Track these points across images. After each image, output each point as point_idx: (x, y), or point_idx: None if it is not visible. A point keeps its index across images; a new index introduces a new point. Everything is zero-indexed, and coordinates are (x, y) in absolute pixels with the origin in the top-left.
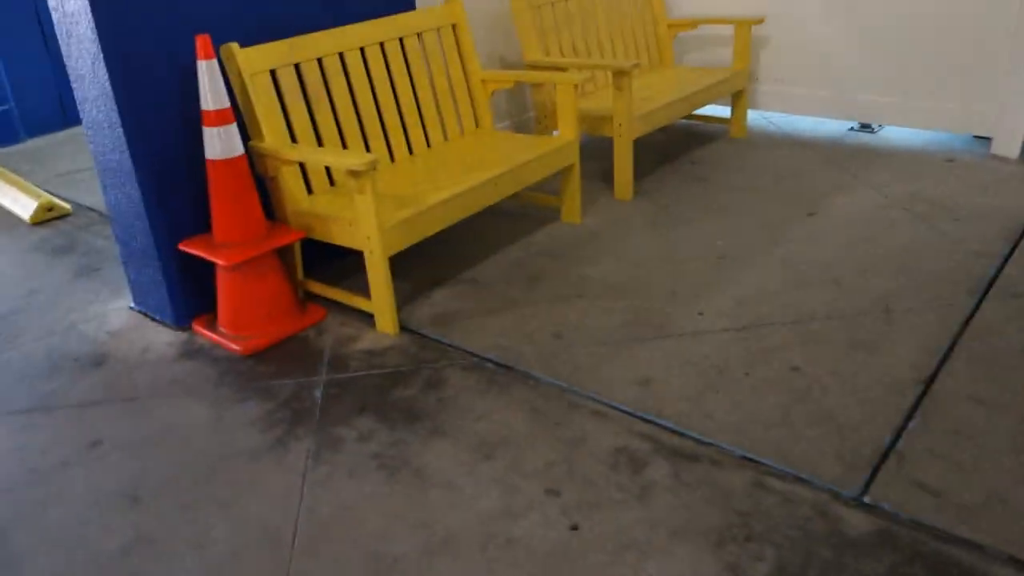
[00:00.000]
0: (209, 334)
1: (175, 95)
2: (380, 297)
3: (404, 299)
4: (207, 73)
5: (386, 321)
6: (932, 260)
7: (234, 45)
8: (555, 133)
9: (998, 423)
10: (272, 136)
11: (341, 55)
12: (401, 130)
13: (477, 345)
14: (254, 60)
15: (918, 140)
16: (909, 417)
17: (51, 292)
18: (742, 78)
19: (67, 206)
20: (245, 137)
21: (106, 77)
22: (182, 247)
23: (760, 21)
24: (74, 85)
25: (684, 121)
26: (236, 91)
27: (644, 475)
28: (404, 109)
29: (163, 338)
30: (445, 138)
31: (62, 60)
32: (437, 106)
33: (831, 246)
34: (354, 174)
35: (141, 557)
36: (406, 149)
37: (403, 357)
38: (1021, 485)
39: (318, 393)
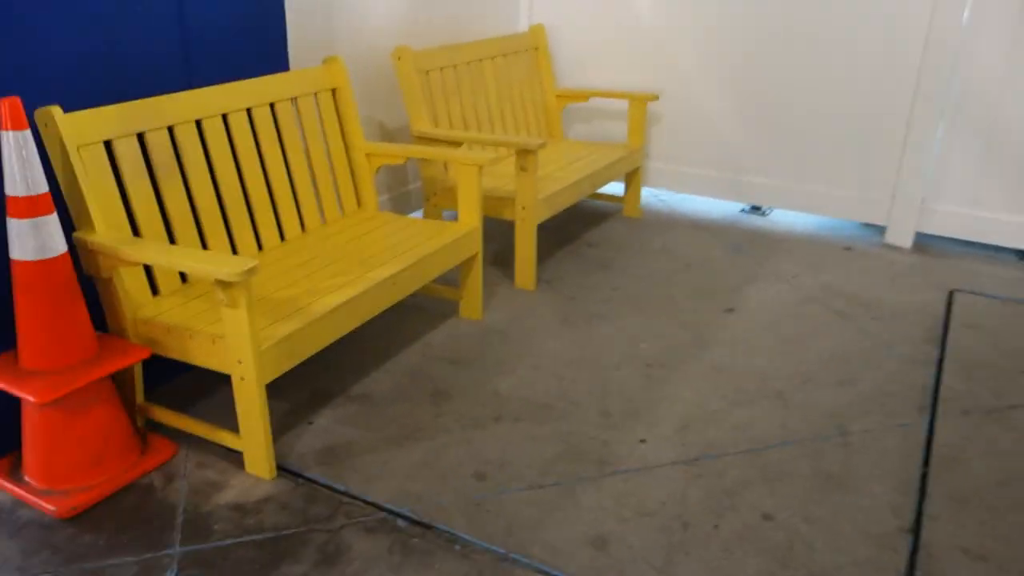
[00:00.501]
0: (9, 486)
1: None
2: (252, 432)
3: (280, 424)
4: (16, 147)
5: (259, 462)
6: (868, 368)
7: (54, 109)
8: (445, 214)
9: None
10: (106, 227)
11: (198, 123)
12: (272, 213)
13: (382, 493)
14: (82, 128)
15: (810, 225)
16: None
17: None
18: (639, 156)
19: None
20: (69, 227)
21: None
22: None
23: (654, 98)
24: None
25: None
26: (57, 169)
27: None
28: (275, 188)
29: None
30: (323, 221)
31: None
32: (314, 184)
33: (762, 351)
34: (224, 284)
35: None
36: (277, 235)
37: (285, 514)
38: None
39: None
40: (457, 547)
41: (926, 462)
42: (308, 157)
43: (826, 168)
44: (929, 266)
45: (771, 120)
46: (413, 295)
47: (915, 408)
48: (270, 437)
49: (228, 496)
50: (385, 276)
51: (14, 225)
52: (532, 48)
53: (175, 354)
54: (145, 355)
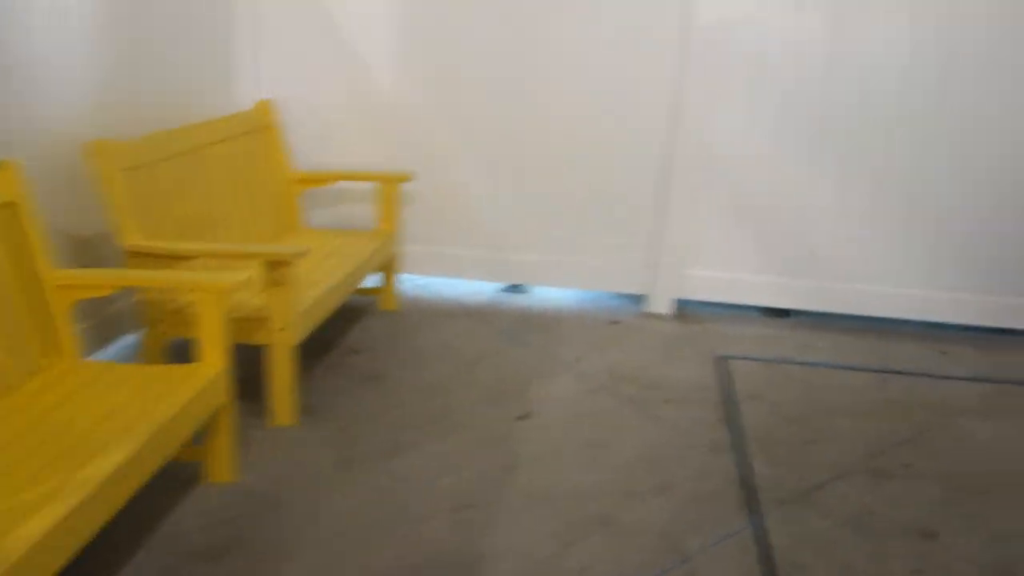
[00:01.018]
0: None
1: None
2: None
3: None
4: None
5: None
6: (679, 465)
7: None
8: (174, 345)
9: None
10: None
11: None
12: None
13: None
14: None
15: (572, 300)
16: None
17: None
18: (393, 242)
19: None
20: None
21: None
22: None
23: (407, 178)
24: None
25: None
26: None
27: None
28: None
29: None
30: None
31: None
32: None
33: (571, 463)
34: None
35: None
36: None
37: None
38: None
39: None
40: None
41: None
42: None
43: (585, 241)
44: (693, 334)
45: (528, 195)
46: None
47: (737, 508)
48: None
49: None
50: (108, 470)
51: None
52: (261, 128)
53: None
54: None
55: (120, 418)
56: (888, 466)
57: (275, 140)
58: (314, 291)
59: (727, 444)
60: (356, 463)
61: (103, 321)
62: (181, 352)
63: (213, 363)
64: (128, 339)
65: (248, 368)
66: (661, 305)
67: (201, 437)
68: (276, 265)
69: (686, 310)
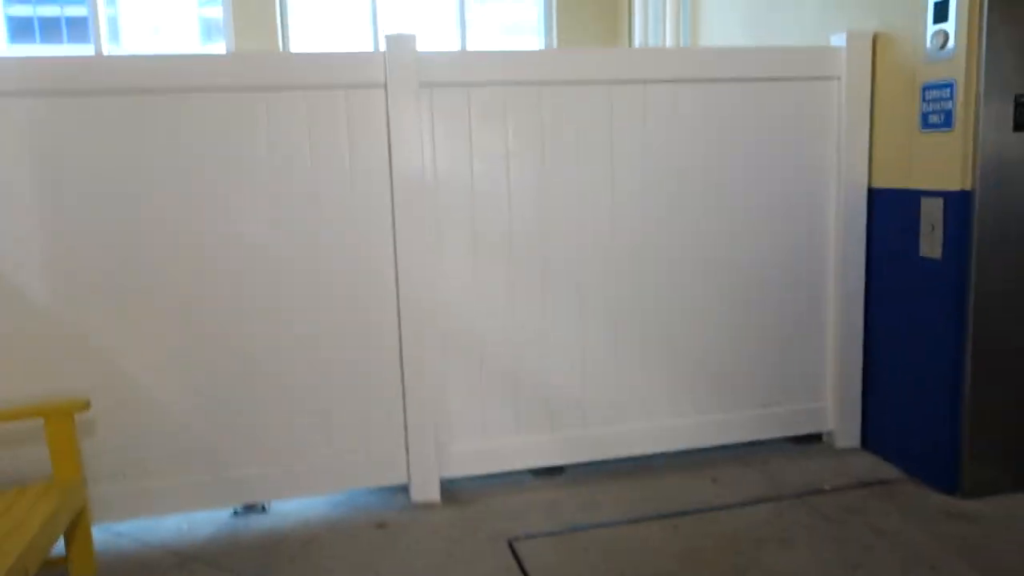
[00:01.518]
0: None
1: None
2: None
3: None
4: None
5: None
6: None
7: None
8: None
9: None
10: None
11: None
12: None
13: None
14: None
15: (324, 507)
16: None
17: None
18: (79, 492)
19: None
20: None
21: None
22: None
23: (85, 406)
24: None
25: None
26: None
27: None
28: None
29: None
30: None
31: None
32: None
33: None
34: None
35: None
36: None
37: None
38: None
39: None
40: None
41: None
42: None
43: (329, 435)
44: (470, 519)
45: (247, 403)
46: None
47: None
48: None
49: None
50: None
51: None
52: None
53: None
54: None
55: None
56: None
57: None
58: None
59: None
60: None
61: None
62: None
63: None
64: None
65: None
66: (427, 491)
67: None
68: None
69: (456, 489)
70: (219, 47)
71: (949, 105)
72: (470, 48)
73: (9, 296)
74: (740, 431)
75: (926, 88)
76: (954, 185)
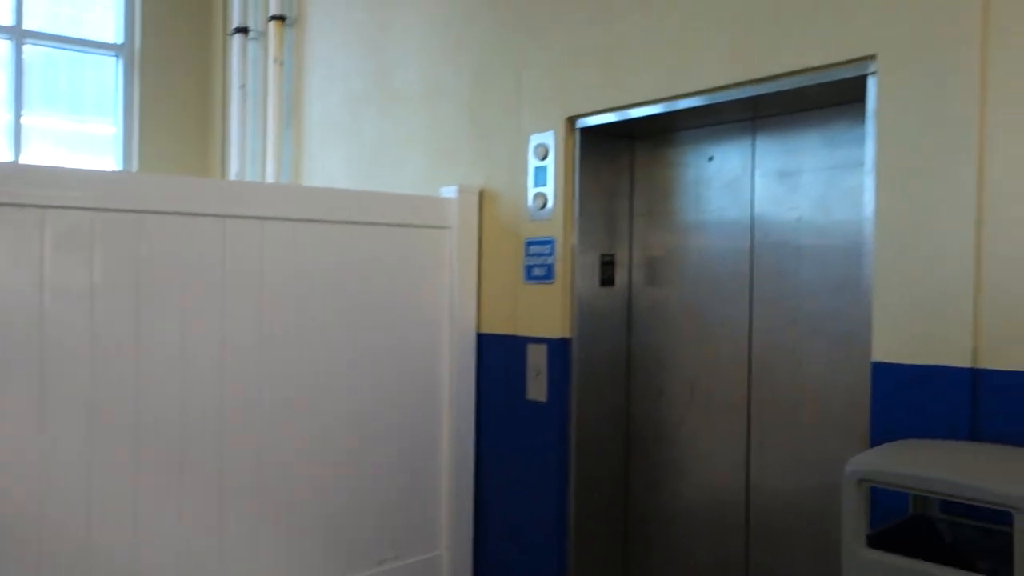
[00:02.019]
0: None
1: None
2: None
3: None
4: None
5: None
6: None
7: None
8: None
9: None
10: None
11: None
12: None
13: None
14: None
15: None
16: None
17: None
18: None
19: None
20: None
21: None
22: None
23: None
24: None
25: None
26: None
27: None
28: None
29: None
30: None
31: None
32: None
33: None
34: None
35: None
36: None
37: None
38: None
39: None
40: None
41: None
42: None
43: None
44: None
45: None
46: None
47: None
48: None
49: None
50: None
51: None
52: None
53: None
54: None
55: None
56: None
57: None
58: None
59: None
60: None
61: None
62: None
63: None
64: None
65: None
66: None
67: None
68: None
69: None
70: None
71: (550, 260)
72: (24, 162)
73: None
74: None
75: (529, 243)
76: (556, 333)
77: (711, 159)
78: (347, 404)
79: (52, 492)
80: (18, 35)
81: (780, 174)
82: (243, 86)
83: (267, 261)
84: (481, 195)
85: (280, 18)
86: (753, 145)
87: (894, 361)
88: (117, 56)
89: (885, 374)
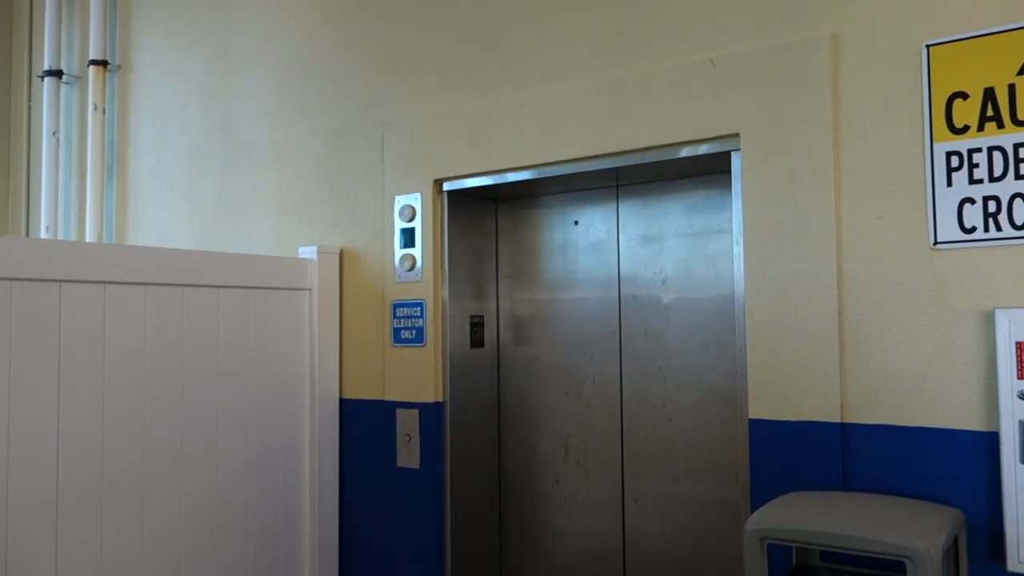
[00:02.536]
0: None
1: None
2: None
3: None
4: None
5: None
6: None
7: None
8: None
9: None
10: None
11: None
12: None
13: None
14: None
15: None
16: None
17: None
18: None
19: None
20: None
21: None
22: None
23: None
24: None
25: None
26: None
27: None
28: None
29: None
30: None
31: None
32: None
33: None
34: None
35: None
36: None
37: None
38: None
39: None
40: None
41: None
42: None
43: None
44: None
45: None
46: None
47: None
48: None
49: None
50: None
51: None
52: None
53: None
54: None
55: None
56: None
57: None
58: None
59: None
60: None
61: None
62: None
63: None
64: None
65: None
66: None
67: None
68: None
69: None
70: None
71: (420, 323)
72: None
73: None
74: None
75: (397, 305)
76: (428, 397)
77: (576, 223)
78: (198, 485)
79: None
80: None
81: (644, 238)
82: (55, 133)
83: (110, 327)
84: (342, 255)
85: (102, 63)
86: (617, 211)
87: (769, 418)
88: None
89: (761, 430)
